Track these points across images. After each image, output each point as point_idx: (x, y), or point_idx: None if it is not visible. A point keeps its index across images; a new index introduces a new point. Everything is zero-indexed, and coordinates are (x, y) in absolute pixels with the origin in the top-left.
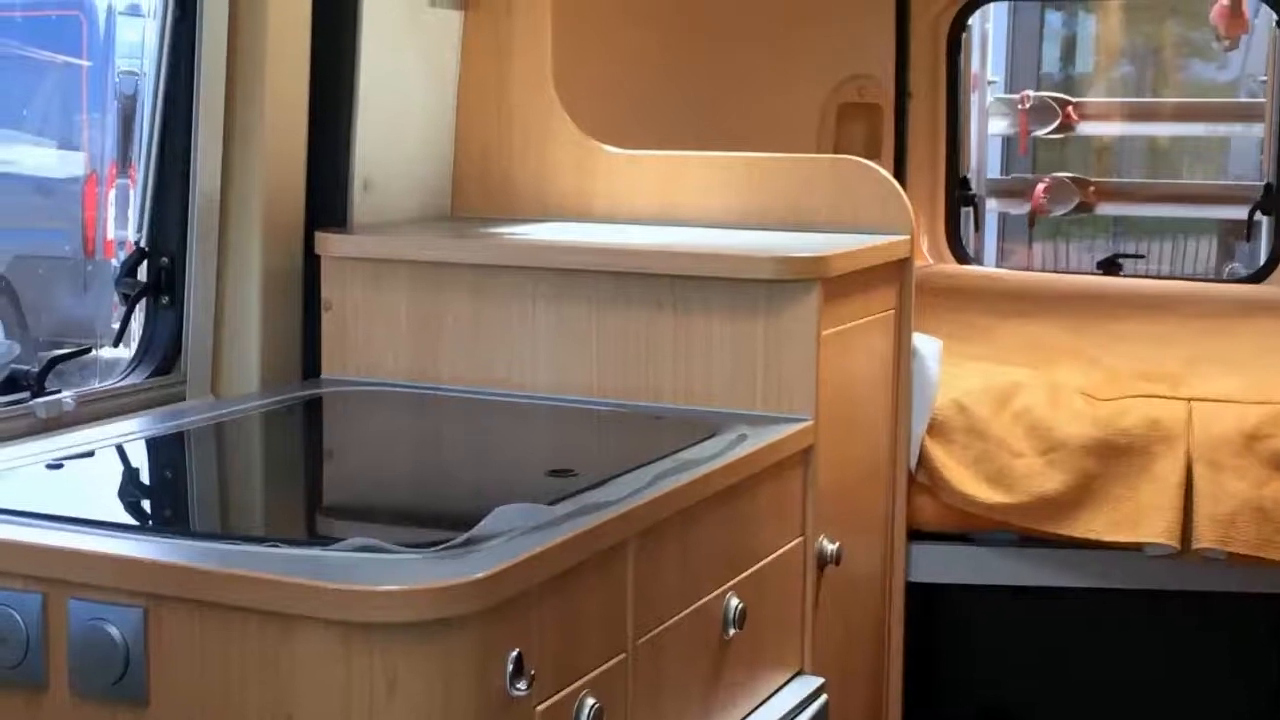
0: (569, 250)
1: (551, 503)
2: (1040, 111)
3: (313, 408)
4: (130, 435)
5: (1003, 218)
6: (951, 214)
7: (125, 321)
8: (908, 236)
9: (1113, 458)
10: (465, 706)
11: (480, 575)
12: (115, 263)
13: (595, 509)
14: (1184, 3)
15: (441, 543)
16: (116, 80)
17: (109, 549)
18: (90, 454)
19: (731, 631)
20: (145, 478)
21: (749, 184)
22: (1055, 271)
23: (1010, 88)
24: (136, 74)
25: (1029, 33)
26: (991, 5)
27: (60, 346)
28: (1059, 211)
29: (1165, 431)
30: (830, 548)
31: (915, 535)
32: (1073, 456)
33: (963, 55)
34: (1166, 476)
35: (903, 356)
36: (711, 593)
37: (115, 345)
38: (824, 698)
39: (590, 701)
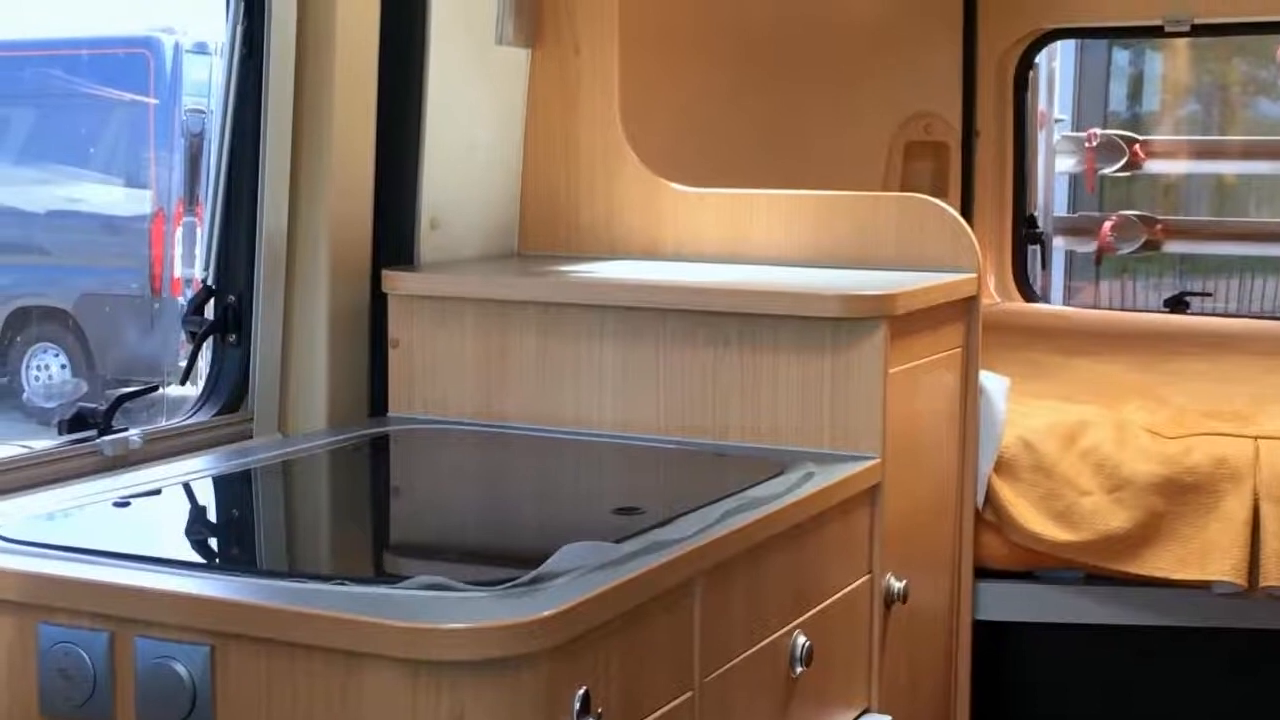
0: (636, 288)
1: (618, 541)
2: (1107, 149)
3: (380, 445)
4: (197, 473)
5: (1070, 255)
6: (1018, 252)
7: (192, 359)
8: (975, 274)
9: (1180, 495)
10: None
11: (547, 613)
12: (182, 300)
13: (662, 547)
14: (1250, 41)
15: (508, 581)
16: (183, 118)
17: (176, 587)
18: (157, 492)
19: (799, 669)
20: (212, 516)
21: (816, 222)
22: (1122, 309)
23: (1077, 125)
24: (203, 112)
25: (1096, 71)
26: (1058, 43)
27: (127, 384)
28: (1126, 249)
29: (1232, 469)
30: (897, 585)
31: (982, 573)
32: (1140, 494)
33: (1030, 93)
34: (1233, 514)
35: (970, 394)
36: (778, 630)
37: (182, 383)
38: None
39: None
